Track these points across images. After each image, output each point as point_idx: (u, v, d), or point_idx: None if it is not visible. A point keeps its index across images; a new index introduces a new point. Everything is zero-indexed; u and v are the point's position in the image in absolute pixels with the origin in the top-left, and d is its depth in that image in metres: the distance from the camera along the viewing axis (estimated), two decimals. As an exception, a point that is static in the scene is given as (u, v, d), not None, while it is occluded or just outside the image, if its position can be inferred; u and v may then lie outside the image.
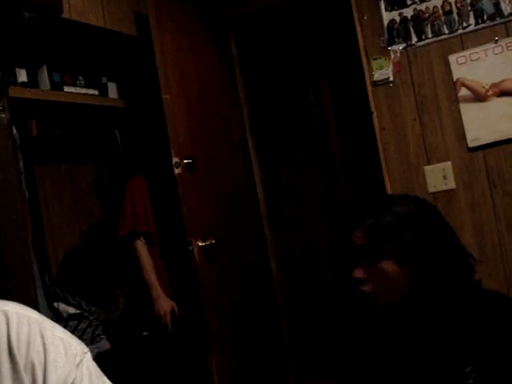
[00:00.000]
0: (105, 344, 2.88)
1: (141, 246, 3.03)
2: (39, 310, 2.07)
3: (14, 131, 2.47)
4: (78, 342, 1.04)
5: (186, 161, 2.87)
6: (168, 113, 2.86)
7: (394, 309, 1.52)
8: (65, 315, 2.79)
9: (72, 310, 2.83)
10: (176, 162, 2.83)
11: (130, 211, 3.03)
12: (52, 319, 1.02)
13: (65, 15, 2.66)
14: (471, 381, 1.39)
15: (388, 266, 1.47)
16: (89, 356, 1.02)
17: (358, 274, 1.51)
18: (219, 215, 3.18)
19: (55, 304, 2.78)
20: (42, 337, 0.98)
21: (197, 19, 3.37)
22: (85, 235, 3.33)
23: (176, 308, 3.00)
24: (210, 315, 2.88)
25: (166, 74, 2.88)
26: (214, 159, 3.25)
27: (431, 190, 2.96)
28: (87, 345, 1.05)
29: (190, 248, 2.81)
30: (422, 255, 1.45)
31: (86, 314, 2.87)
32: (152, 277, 3.00)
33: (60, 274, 3.12)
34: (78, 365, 0.99)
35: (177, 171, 2.83)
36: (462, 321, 1.44)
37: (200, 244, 2.86)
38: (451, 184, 2.93)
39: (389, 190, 3.03)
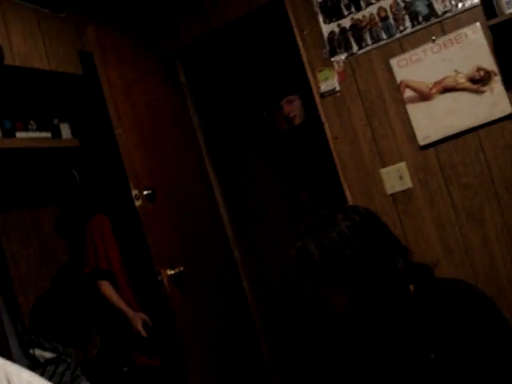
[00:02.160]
0: (85, 384, 2.86)
1: (104, 283, 3.04)
2: (13, 359, 2.05)
3: (-30, 183, 2.46)
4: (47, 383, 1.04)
5: (145, 192, 2.88)
6: (122, 146, 2.87)
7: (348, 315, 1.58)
8: (42, 361, 2.76)
9: (49, 355, 2.80)
10: (136, 194, 2.84)
11: (92, 250, 3.07)
12: (29, 366, 1.02)
13: (8, 62, 2.67)
14: (435, 367, 1.43)
15: (323, 291, 1.54)
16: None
17: None
18: (186, 241, 3.19)
19: (31, 351, 2.75)
20: (9, 381, 0.98)
21: (142, 51, 3.40)
22: (53, 278, 3.30)
23: (146, 318, 2.98)
24: (186, 343, 2.87)
25: (116, 109, 2.89)
26: (174, 187, 3.26)
27: (389, 191, 3.02)
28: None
29: (160, 277, 2.81)
30: (352, 278, 1.47)
31: (63, 357, 2.84)
32: (121, 304, 3.00)
33: (33, 320, 3.09)
34: (47, 406, 0.99)
35: (137, 203, 2.84)
36: (421, 312, 1.49)
37: (169, 272, 2.86)
38: (408, 183, 2.99)
39: (349, 197, 3.08)
